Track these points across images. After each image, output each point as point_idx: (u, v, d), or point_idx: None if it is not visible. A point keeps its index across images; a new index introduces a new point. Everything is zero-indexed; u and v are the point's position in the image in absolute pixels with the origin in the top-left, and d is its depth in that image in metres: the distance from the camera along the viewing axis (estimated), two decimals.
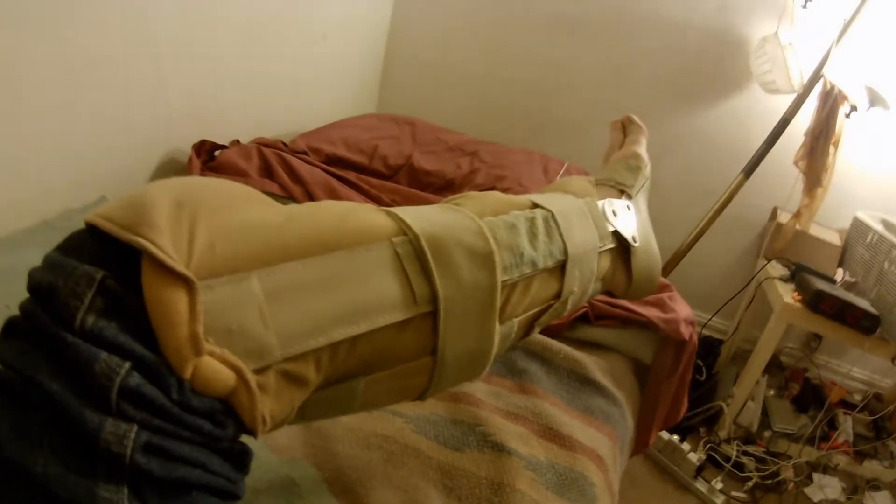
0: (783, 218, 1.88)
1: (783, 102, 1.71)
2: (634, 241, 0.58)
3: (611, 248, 0.56)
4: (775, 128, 1.71)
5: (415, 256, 0.38)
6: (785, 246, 1.83)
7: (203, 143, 1.35)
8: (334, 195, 1.31)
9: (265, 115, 1.67)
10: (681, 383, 1.17)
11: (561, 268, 0.49)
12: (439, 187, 1.54)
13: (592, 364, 0.95)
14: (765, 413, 1.82)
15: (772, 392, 1.90)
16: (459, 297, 0.39)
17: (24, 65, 0.98)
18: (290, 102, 1.77)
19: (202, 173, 1.28)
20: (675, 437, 1.64)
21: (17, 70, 0.98)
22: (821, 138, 1.68)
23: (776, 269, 1.79)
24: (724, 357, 2.05)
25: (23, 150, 1.02)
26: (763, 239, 2.05)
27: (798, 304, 1.58)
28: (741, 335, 2.04)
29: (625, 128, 0.75)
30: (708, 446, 1.74)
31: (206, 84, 1.41)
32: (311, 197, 1.29)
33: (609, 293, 0.64)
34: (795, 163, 1.76)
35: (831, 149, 1.69)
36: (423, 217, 0.41)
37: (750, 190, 1.79)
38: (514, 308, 0.45)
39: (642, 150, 0.71)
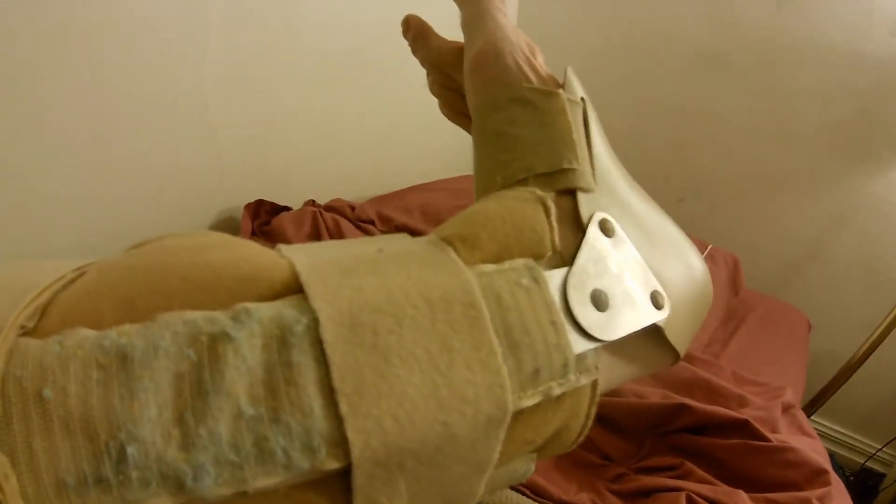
0: None
1: None
2: (659, 308, 0.25)
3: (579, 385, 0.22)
4: None
5: None
6: None
7: (260, 203, 1.23)
8: None
9: (349, 171, 1.47)
10: None
11: (344, 475, 0.17)
12: None
13: None
14: None
15: None
16: None
17: (53, 112, 0.87)
18: (380, 155, 1.55)
19: (252, 238, 1.13)
20: None
21: (46, 118, 0.87)
22: None
23: None
24: (884, 499, 1.40)
25: (51, 203, 0.92)
26: None
27: None
28: None
29: None
30: None
31: (269, 134, 1.25)
32: None
33: None
34: None
35: None
36: None
37: None
38: None
39: (498, 22, 0.30)
